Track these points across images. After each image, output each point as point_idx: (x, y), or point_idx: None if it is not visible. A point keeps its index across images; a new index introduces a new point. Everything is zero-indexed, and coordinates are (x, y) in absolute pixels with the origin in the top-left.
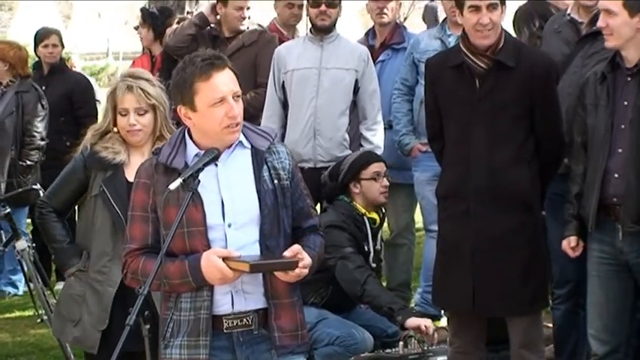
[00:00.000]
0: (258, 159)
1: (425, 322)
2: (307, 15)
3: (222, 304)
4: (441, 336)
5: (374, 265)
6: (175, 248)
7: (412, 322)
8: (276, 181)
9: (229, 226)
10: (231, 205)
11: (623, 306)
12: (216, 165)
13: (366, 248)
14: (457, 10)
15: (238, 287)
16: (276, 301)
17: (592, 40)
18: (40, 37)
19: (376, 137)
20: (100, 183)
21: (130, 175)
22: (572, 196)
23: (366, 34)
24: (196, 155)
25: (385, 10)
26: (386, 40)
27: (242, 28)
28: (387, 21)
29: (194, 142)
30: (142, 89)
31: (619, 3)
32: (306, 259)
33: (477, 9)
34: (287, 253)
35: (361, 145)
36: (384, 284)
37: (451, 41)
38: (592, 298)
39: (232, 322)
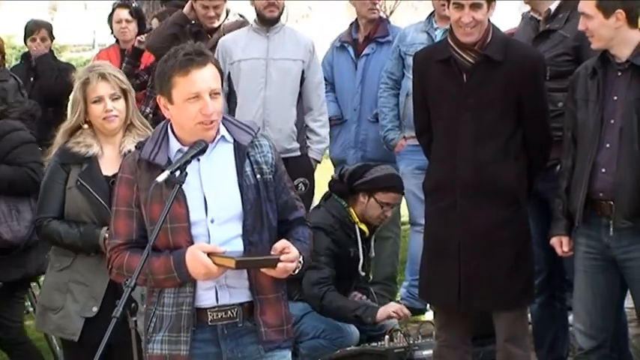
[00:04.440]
0: (241, 154)
1: (392, 309)
2: (252, 5)
3: (207, 299)
4: (427, 330)
5: (363, 273)
6: (159, 244)
7: (381, 314)
8: (258, 176)
9: (212, 221)
10: (214, 200)
11: (610, 301)
12: (199, 160)
13: (352, 254)
14: (447, 3)
15: (222, 282)
16: (262, 297)
17: (545, 38)
18: (30, 29)
19: (323, 129)
20: (76, 177)
21: (105, 167)
22: (562, 191)
23: (350, 27)
24: (179, 151)
25: (377, 6)
26: (370, 34)
27: (214, 25)
28: (377, 16)
29: (176, 137)
30: (114, 75)
31: (593, 5)
32: (291, 254)
33: (460, 6)
34: (276, 247)
35: (307, 137)
36: (370, 278)
37: (438, 35)
38: (578, 294)
39: (217, 315)
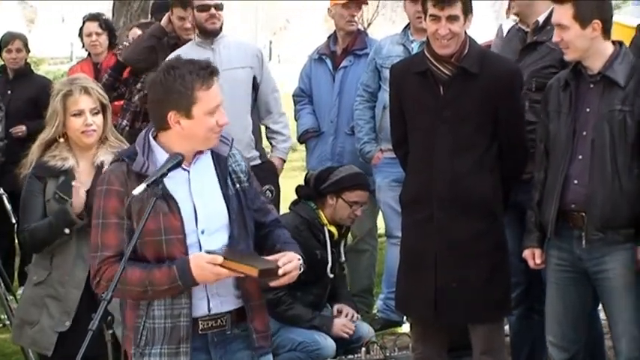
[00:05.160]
0: (222, 164)
1: (343, 329)
2: (193, 19)
3: (199, 308)
4: (404, 342)
5: (331, 275)
6: (149, 256)
7: (335, 332)
8: (237, 185)
9: (202, 232)
10: (204, 211)
11: (581, 313)
12: (187, 171)
13: (319, 256)
14: (423, 16)
15: (213, 291)
16: (251, 303)
17: (532, 50)
18: (5, 41)
19: (285, 129)
20: (53, 190)
21: (82, 179)
22: (534, 203)
23: (328, 39)
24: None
25: (355, 18)
26: (348, 47)
27: (190, 37)
28: (355, 29)
29: (163, 147)
30: (96, 90)
31: (569, 16)
32: (293, 262)
33: (437, 19)
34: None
35: (271, 139)
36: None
37: (414, 47)
38: (550, 306)
39: (207, 324)
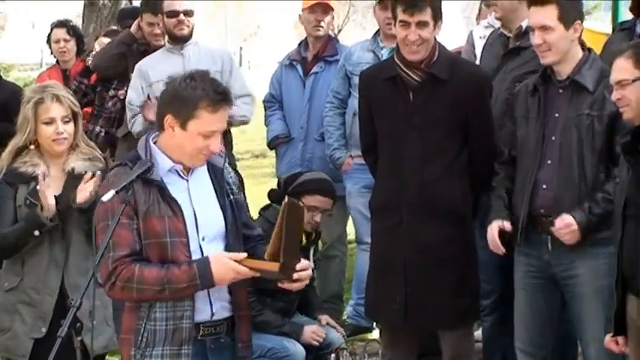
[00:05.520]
0: (217, 175)
1: (313, 336)
2: (163, 26)
3: (202, 312)
4: (373, 348)
5: None
6: (153, 258)
7: (305, 339)
8: (231, 196)
9: (203, 239)
10: (203, 218)
11: (549, 319)
12: (187, 180)
13: None
14: (393, 21)
15: (215, 295)
16: (240, 313)
17: (515, 55)
18: None
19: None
20: (24, 196)
21: (53, 185)
22: (503, 192)
23: (299, 45)
24: (169, 170)
25: (322, 23)
26: (319, 53)
27: (160, 43)
28: (322, 34)
29: (163, 152)
30: (68, 98)
31: (554, 17)
32: (308, 271)
33: (406, 25)
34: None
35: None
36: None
37: (384, 54)
38: (518, 311)
39: (208, 330)
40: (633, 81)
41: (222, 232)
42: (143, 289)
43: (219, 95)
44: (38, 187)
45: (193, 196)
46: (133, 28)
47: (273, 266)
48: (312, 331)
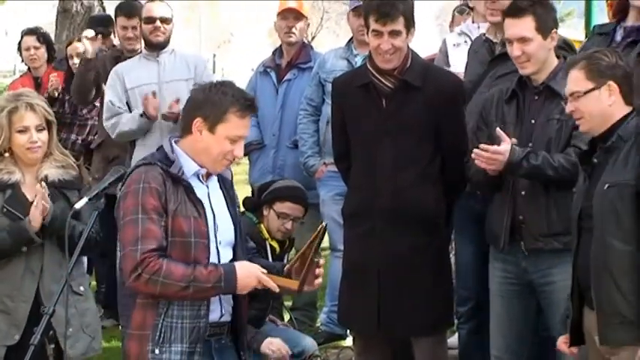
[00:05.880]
0: (227, 186)
1: (270, 346)
2: (140, 32)
3: (213, 313)
4: (347, 355)
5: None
6: (176, 257)
7: (262, 349)
8: (237, 208)
9: (220, 243)
10: (220, 224)
11: (525, 325)
12: (207, 186)
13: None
14: (365, 30)
15: (224, 298)
16: (241, 318)
17: (503, 61)
18: None
19: None
20: (1, 203)
21: (28, 192)
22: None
23: (274, 52)
24: (194, 174)
25: (294, 30)
26: (292, 60)
27: (134, 47)
28: (294, 40)
29: (187, 153)
30: (42, 107)
31: (532, 28)
32: (319, 279)
33: (379, 34)
34: None
35: None
36: (290, 303)
37: (358, 61)
38: (494, 318)
39: (213, 330)
40: (585, 93)
41: (232, 240)
42: (168, 284)
43: (248, 102)
44: (34, 205)
45: (213, 202)
46: (88, 47)
47: (293, 284)
48: (270, 342)
